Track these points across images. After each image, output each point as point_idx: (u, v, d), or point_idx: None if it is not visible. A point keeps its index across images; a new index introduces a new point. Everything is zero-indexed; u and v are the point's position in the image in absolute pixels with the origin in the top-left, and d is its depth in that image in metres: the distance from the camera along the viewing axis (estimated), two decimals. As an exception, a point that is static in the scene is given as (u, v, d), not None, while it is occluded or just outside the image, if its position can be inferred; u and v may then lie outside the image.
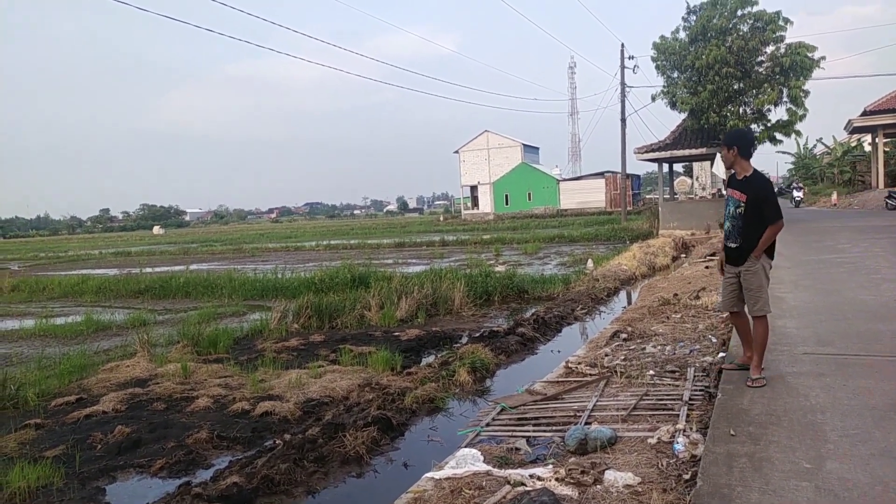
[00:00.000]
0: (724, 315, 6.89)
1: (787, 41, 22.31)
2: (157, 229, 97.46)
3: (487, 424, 5.12)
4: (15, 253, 48.13)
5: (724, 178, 26.89)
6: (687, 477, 3.60)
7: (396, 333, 9.58)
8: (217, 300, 14.57)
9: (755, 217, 4.77)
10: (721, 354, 6.05)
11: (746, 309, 4.99)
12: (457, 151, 69.06)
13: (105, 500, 4.50)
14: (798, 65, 21.70)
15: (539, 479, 3.78)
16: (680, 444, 4.03)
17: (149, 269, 22.02)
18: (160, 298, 15.79)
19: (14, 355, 9.51)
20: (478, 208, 67.58)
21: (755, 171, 4.91)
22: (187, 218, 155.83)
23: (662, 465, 3.85)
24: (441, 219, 70.68)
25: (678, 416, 4.69)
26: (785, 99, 22.43)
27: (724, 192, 5.15)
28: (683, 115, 24.87)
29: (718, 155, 24.99)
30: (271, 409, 6.08)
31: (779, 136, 23.62)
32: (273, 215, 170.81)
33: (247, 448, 5.33)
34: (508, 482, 3.78)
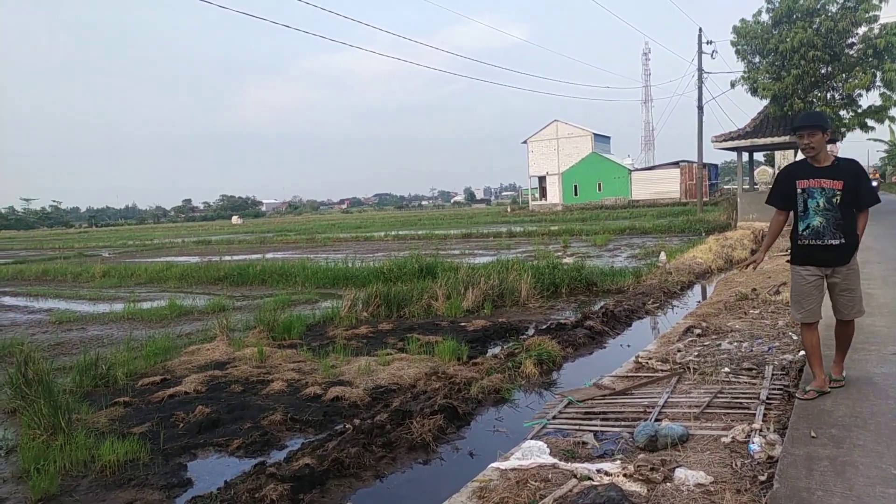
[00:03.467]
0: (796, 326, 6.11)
1: (882, 21, 20.89)
2: (235, 219, 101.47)
3: (554, 417, 5.08)
4: (105, 241, 51.25)
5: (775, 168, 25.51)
6: (763, 478, 3.47)
7: (462, 324, 9.63)
8: (291, 288, 15.05)
9: (852, 206, 4.26)
10: (802, 353, 5.77)
11: (841, 314, 4.42)
12: (525, 142, 68.40)
13: (186, 476, 4.74)
14: (894, 46, 20.28)
15: (606, 474, 3.73)
16: (756, 445, 3.89)
17: (227, 258, 22.97)
18: (238, 285, 16.45)
19: (105, 337, 10.15)
20: (546, 199, 66.77)
21: (837, 156, 4.46)
22: (263, 208, 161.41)
23: (736, 465, 3.72)
24: (508, 210, 70.28)
25: (754, 415, 4.52)
26: (878, 83, 21.04)
27: (801, 186, 4.37)
28: (765, 102, 23.72)
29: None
30: (341, 394, 6.24)
31: (871, 122, 22.19)
32: (344, 206, 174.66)
33: (318, 431, 5.49)
34: (575, 476, 3.75)
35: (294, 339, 8.97)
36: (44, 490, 4.43)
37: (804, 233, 4.38)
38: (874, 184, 28.32)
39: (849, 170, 4.30)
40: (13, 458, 5.17)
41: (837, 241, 4.27)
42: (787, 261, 4.72)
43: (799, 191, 4.38)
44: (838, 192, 4.23)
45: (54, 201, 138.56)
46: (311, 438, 5.30)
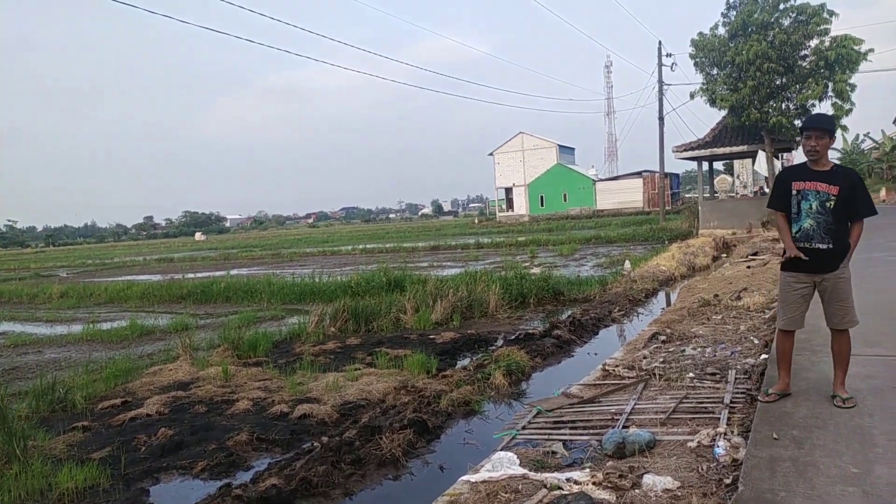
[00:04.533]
0: (775, 326, 6.00)
1: (833, 34, 21.68)
2: (198, 235, 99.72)
3: (523, 428, 5.09)
4: (63, 260, 49.84)
5: (766, 171, 25.60)
6: (728, 481, 3.51)
7: (432, 336, 9.60)
8: (256, 304, 14.82)
9: (845, 213, 4.24)
10: (763, 356, 5.89)
11: (832, 322, 4.38)
12: (491, 154, 68.92)
13: (149, 501, 4.61)
14: (844, 58, 21.05)
15: (576, 482, 3.74)
16: (721, 448, 3.95)
17: (191, 275, 22.53)
18: (202, 303, 16.14)
19: (63, 360, 9.84)
20: (512, 210, 67.28)
21: (836, 162, 4.44)
22: (228, 224, 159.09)
23: (703, 469, 3.77)
24: (476, 221, 70.57)
25: (719, 419, 4.59)
26: (830, 94, 21.78)
27: (796, 188, 4.32)
28: (723, 113, 24.35)
29: (761, 153, 24.42)
30: (309, 411, 6.15)
31: (823, 131, 22.90)
32: (310, 220, 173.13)
33: (285, 450, 5.40)
34: (545, 486, 3.75)
35: (260, 356, 8.83)
36: (-3, 521, 4.26)
37: (796, 235, 4.36)
38: None
39: (846, 177, 4.29)
40: (-36, 489, 4.95)
41: (826, 246, 4.23)
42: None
43: (794, 192, 4.36)
44: (833, 197, 4.21)
45: (9, 220, 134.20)
46: (278, 458, 5.21)
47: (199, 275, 23.11)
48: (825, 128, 4.31)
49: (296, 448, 5.40)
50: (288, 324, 11.61)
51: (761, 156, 23.69)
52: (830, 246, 4.23)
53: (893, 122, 32.69)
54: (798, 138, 23.46)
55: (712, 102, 23.49)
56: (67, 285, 21.66)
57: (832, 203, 4.20)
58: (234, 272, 23.83)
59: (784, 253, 4.47)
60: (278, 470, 4.74)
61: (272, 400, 6.64)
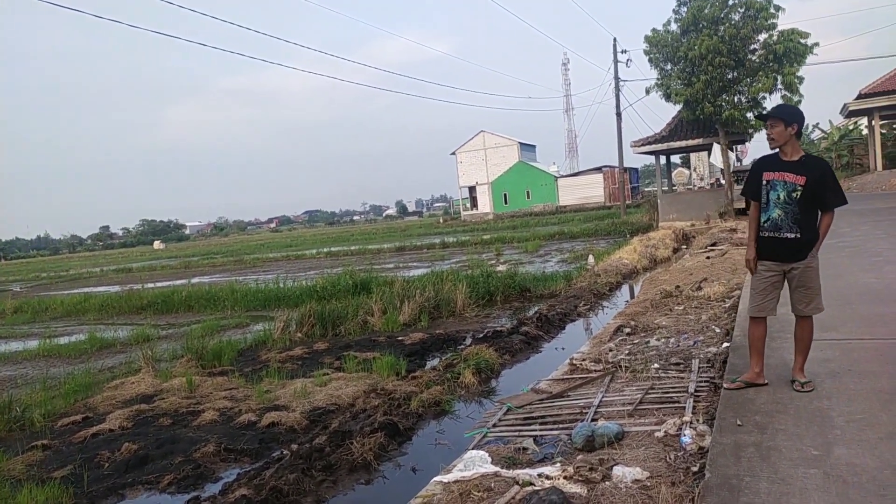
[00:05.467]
0: (743, 315, 6.07)
1: (780, 28, 22.33)
2: (157, 244, 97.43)
3: (494, 425, 5.11)
4: (16, 274, 48.19)
5: (722, 163, 26.00)
6: (695, 469, 3.59)
7: (400, 338, 9.57)
8: (220, 312, 14.57)
9: (813, 203, 4.29)
10: (725, 345, 6.03)
11: (796, 309, 4.44)
12: (454, 153, 69.07)
13: (114, 519, 4.49)
14: (791, 51, 21.68)
15: (548, 478, 3.77)
16: (687, 437, 4.02)
17: (150, 285, 22.03)
18: (163, 313, 15.78)
19: (19, 377, 9.52)
20: (477, 209, 67.56)
21: (807, 152, 4.49)
22: (187, 231, 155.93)
23: (670, 458, 3.84)
24: (441, 221, 70.66)
25: (684, 408, 4.68)
26: (780, 86, 22.42)
27: (766, 178, 4.36)
28: (678, 107, 24.86)
29: (716, 145, 25.02)
30: (277, 419, 6.07)
31: (774, 123, 23.56)
32: (273, 225, 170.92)
33: (254, 460, 5.32)
34: (517, 482, 3.77)
35: (225, 365, 8.68)
36: (-47, 549, 4.10)
37: (765, 224, 4.42)
38: None
39: (814, 167, 4.34)
40: (-84, 517, 4.75)
41: (794, 236, 4.29)
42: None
43: (764, 182, 4.42)
44: (799, 188, 4.26)
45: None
46: (247, 468, 5.13)
47: (159, 284, 22.60)
48: (776, 115, 4.38)
49: (265, 457, 5.32)
50: (253, 331, 11.44)
51: (716, 148, 24.27)
52: (798, 236, 4.29)
53: (840, 113, 33.80)
54: (750, 130, 24.13)
55: (667, 97, 23.96)
56: (21, 300, 20.97)
57: (798, 193, 4.26)
58: (195, 280, 23.36)
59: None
60: (248, 480, 4.67)
61: (239, 409, 6.54)
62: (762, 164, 4.56)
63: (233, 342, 9.86)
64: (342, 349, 9.09)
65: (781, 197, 4.31)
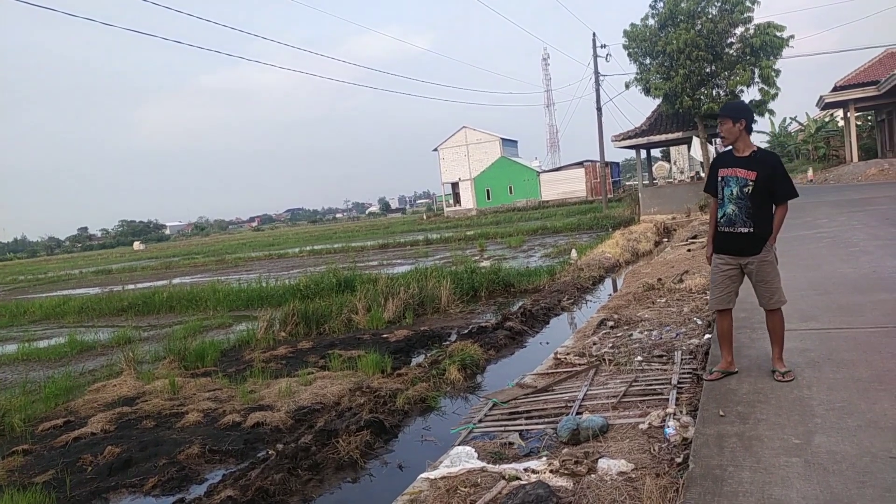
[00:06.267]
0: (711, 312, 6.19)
1: (756, 21, 22.57)
2: (137, 245, 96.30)
3: (480, 421, 5.12)
4: (-7, 277, 47.33)
5: (701, 156, 26.40)
6: (679, 460, 3.62)
7: (385, 335, 9.56)
8: (202, 313, 14.43)
9: (766, 197, 4.37)
10: (707, 336, 6.10)
11: (761, 303, 4.52)
12: (436, 149, 69.02)
13: (98, 523, 4.44)
14: (768, 45, 21.95)
15: (534, 472, 3.79)
16: (671, 428, 4.06)
17: (131, 286, 21.79)
18: (144, 315, 15.61)
19: (-3, 382, 9.36)
20: (460, 205, 67.61)
21: (759, 147, 4.54)
22: (168, 231, 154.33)
23: (654, 449, 3.87)
24: (424, 217, 70.61)
25: (668, 400, 4.73)
26: (757, 79, 22.68)
27: (721, 174, 4.49)
28: (658, 101, 25.07)
29: (696, 139, 25.26)
30: (262, 419, 6.03)
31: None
32: (254, 224, 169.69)
33: (240, 460, 5.28)
34: (503, 477, 3.78)
35: (208, 366, 8.61)
36: (-68, 558, 4.03)
37: (721, 220, 4.53)
38: None
39: (764, 161, 4.41)
40: None
41: (747, 230, 4.37)
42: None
43: (719, 179, 4.54)
44: (750, 183, 4.36)
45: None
46: (232, 469, 5.09)
47: (139, 285, 22.35)
48: (724, 112, 4.48)
49: (250, 458, 5.29)
50: (236, 331, 11.36)
51: (696, 141, 24.50)
52: (751, 230, 4.38)
53: (816, 105, 34.26)
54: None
55: (647, 91, 24.15)
56: (-2, 303, 20.60)
57: (749, 188, 4.36)
58: (176, 281, 23.13)
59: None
60: (233, 481, 4.64)
61: (223, 410, 6.49)
62: (718, 161, 4.68)
63: (216, 343, 9.78)
64: (327, 348, 9.06)
65: (734, 192, 4.41)
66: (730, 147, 4.55)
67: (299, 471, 4.75)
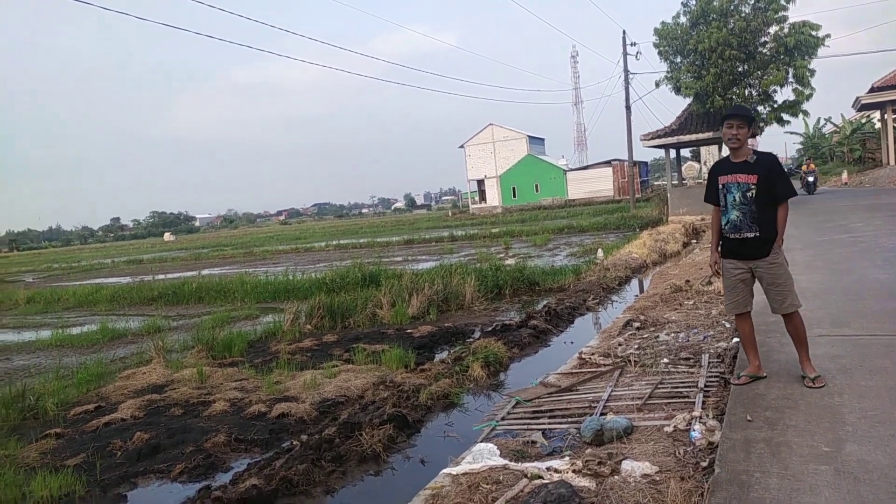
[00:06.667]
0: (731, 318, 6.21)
1: (791, 20, 22.11)
2: (167, 236, 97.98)
3: (503, 418, 5.12)
4: (29, 265, 48.62)
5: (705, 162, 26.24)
6: (704, 464, 3.59)
7: (409, 330, 9.60)
8: (230, 304, 14.65)
9: (768, 199, 4.35)
10: (735, 340, 6.01)
11: (773, 308, 4.46)
12: (462, 146, 68.97)
13: (127, 507, 4.54)
14: (803, 44, 21.50)
15: (556, 471, 3.78)
16: (696, 432, 4.02)
17: (161, 276, 22.20)
18: (174, 304, 15.89)
19: (32, 366, 9.62)
20: (485, 202, 67.49)
21: (755, 150, 4.56)
22: (197, 223, 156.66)
23: (679, 453, 3.84)
24: (449, 214, 70.63)
25: (694, 403, 4.67)
26: (791, 79, 22.23)
27: (721, 182, 4.50)
28: (688, 100, 24.70)
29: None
30: (287, 410, 6.11)
31: (786, 116, 23.43)
32: (282, 217, 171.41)
33: (264, 450, 5.36)
34: (526, 475, 3.78)
35: (235, 356, 8.74)
36: (-31, 535, 4.16)
37: (725, 227, 4.54)
38: (811, 178, 27.50)
39: (763, 163, 4.41)
40: (-67, 504, 4.83)
41: (753, 234, 4.38)
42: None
43: (720, 186, 4.54)
44: (752, 186, 4.35)
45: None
46: (257, 458, 5.17)
47: (169, 276, 22.76)
48: (745, 115, 4.47)
49: (275, 447, 5.36)
50: (263, 322, 11.50)
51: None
52: (758, 234, 4.37)
53: (852, 107, 33.46)
54: (761, 124, 23.98)
55: (677, 90, 23.82)
56: (34, 290, 21.17)
57: (752, 192, 4.35)
58: (205, 272, 23.48)
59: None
60: (258, 470, 4.71)
61: (249, 400, 6.58)
62: (716, 169, 4.67)
63: (243, 333, 9.93)
64: (351, 341, 9.13)
65: (737, 198, 4.41)
66: (726, 154, 4.56)
67: (323, 462, 4.80)
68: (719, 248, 4.69)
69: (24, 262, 57.31)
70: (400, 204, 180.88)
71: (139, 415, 6.49)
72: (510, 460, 4.09)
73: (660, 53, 24.16)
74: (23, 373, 9.14)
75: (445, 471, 4.07)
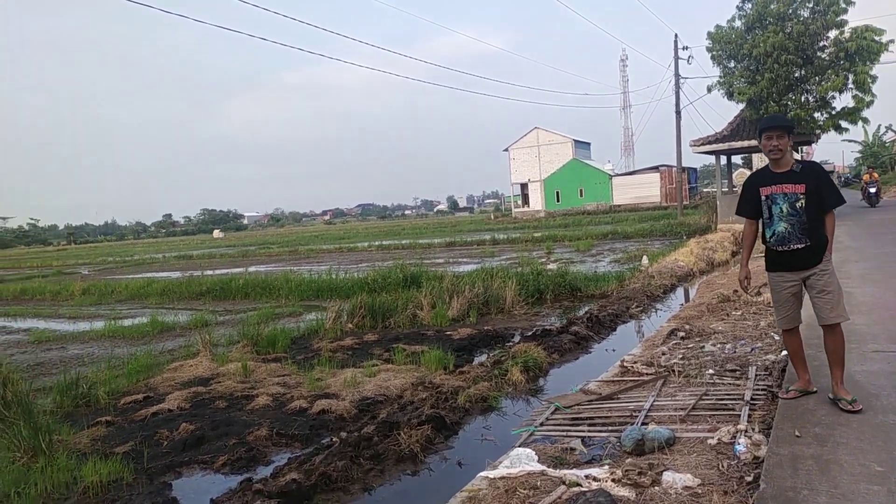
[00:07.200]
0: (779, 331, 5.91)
1: (851, 24, 21.34)
2: (216, 233, 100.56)
3: (541, 424, 5.08)
4: (84, 258, 50.52)
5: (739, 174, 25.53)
6: (749, 479, 3.49)
7: (448, 332, 9.62)
8: (275, 301, 14.94)
9: (817, 208, 4.22)
10: (784, 353, 5.83)
11: (820, 318, 4.27)
12: (506, 149, 68.79)
13: (171, 495, 4.67)
14: (864, 49, 20.71)
15: (595, 479, 3.74)
16: (741, 445, 3.92)
17: (209, 272, 22.77)
18: (221, 300, 16.30)
19: (86, 356, 10.00)
20: (528, 206, 67.12)
21: (798, 159, 4.45)
22: (245, 221, 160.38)
23: (723, 466, 3.74)
24: (492, 217, 70.48)
25: (739, 416, 4.55)
26: (850, 85, 21.44)
27: (764, 193, 4.34)
28: (741, 106, 24.08)
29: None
30: (328, 407, 6.19)
31: (844, 123, 22.60)
32: (326, 217, 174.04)
33: (305, 445, 5.44)
34: (563, 482, 3.74)
35: (279, 352, 8.90)
36: (24, 514, 4.34)
37: (771, 240, 4.38)
38: (873, 189, 25.43)
39: (810, 172, 4.28)
40: (-8, 483, 5.06)
41: (803, 245, 4.23)
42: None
43: (763, 198, 4.38)
44: (801, 196, 4.22)
45: (32, 219, 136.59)
46: (297, 453, 5.25)
47: (217, 272, 23.33)
48: (786, 125, 4.37)
49: (315, 443, 5.44)
50: (306, 320, 11.69)
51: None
52: (808, 244, 4.24)
53: (917, 114, 32.02)
54: (818, 131, 23.17)
55: (730, 96, 23.25)
56: (89, 282, 21.97)
57: (802, 202, 4.22)
58: (252, 269, 24.01)
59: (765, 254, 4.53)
60: (298, 465, 4.78)
61: (291, 395, 6.70)
62: (756, 180, 4.51)
63: (286, 330, 10.11)
64: (391, 341, 9.20)
65: (784, 209, 4.27)
66: (765, 165, 4.42)
67: (361, 459, 4.85)
68: (765, 262, 4.54)
69: (80, 254, 59.58)
70: (442, 206, 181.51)
71: (185, 406, 6.67)
72: (548, 466, 4.05)
73: (713, 58, 23.62)
74: (77, 361, 9.50)
75: (482, 474, 4.06)
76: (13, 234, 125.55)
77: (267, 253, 37.07)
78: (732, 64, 23.22)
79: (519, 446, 4.54)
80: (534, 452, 4.30)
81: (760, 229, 4.55)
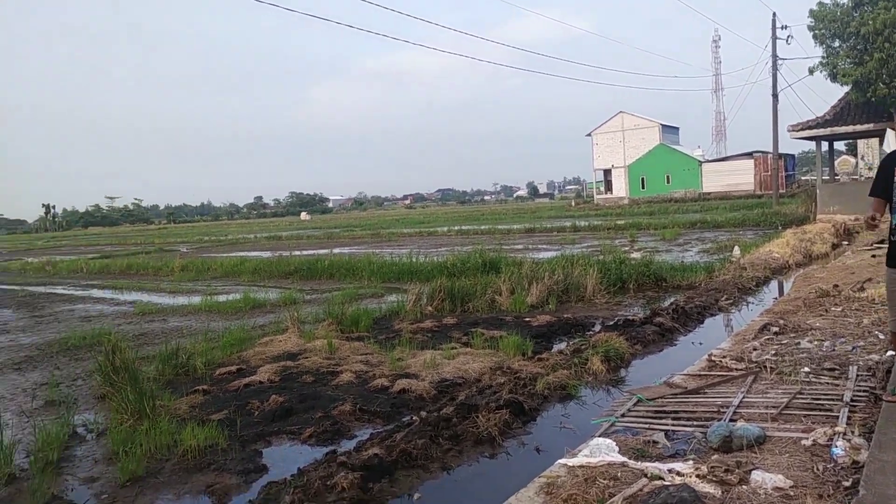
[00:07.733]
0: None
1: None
2: (304, 215, 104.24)
3: (622, 415, 5.00)
4: (183, 236, 53.64)
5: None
6: (847, 484, 3.31)
7: (527, 319, 9.58)
8: (358, 282, 15.36)
9: None
10: (890, 353, 5.45)
11: None
12: (589, 134, 67.25)
13: (262, 462, 4.93)
14: None
15: (678, 474, 3.65)
16: (839, 449, 3.72)
17: (297, 252, 23.62)
18: (307, 279, 16.91)
19: (185, 328, 10.65)
20: (611, 193, 65.48)
21: None
22: (330, 204, 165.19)
23: (818, 469, 3.57)
24: (572, 204, 69.26)
25: (837, 417, 4.32)
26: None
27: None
28: (846, 88, 22.45)
29: (890, 132, 22.33)
30: (408, 386, 6.33)
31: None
32: (407, 201, 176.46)
33: (386, 422, 5.59)
34: (645, 475, 3.68)
35: (361, 331, 9.16)
36: (131, 471, 4.70)
37: (895, 227, 4.04)
38: None
39: None
40: (103, 441, 5.51)
41: None
42: (873, 255, 4.40)
43: (894, 181, 4.03)
44: None
45: (136, 199, 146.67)
46: (379, 429, 5.41)
47: (304, 252, 24.17)
48: None
49: (396, 421, 5.58)
50: (387, 301, 11.95)
51: (890, 135, 21.72)
52: None
53: None
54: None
55: (833, 78, 21.72)
56: (187, 260, 23.32)
57: None
58: (336, 250, 24.75)
59: (875, 245, 4.13)
60: (380, 440, 4.93)
61: (373, 374, 6.89)
62: (891, 160, 4.13)
63: (369, 310, 10.38)
64: (470, 325, 9.27)
65: None
66: None
67: (440, 439, 4.94)
68: (887, 256, 4.14)
69: (179, 233, 63.26)
70: (522, 192, 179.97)
71: (275, 379, 7.00)
72: (629, 458, 3.99)
73: (815, 37, 22.10)
74: (176, 333, 10.14)
75: (561, 461, 4.05)
76: (119, 213, 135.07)
77: (351, 235, 38.06)
78: (837, 43, 21.66)
79: (599, 436, 4.49)
80: (614, 443, 4.25)
81: (889, 217, 4.18)
